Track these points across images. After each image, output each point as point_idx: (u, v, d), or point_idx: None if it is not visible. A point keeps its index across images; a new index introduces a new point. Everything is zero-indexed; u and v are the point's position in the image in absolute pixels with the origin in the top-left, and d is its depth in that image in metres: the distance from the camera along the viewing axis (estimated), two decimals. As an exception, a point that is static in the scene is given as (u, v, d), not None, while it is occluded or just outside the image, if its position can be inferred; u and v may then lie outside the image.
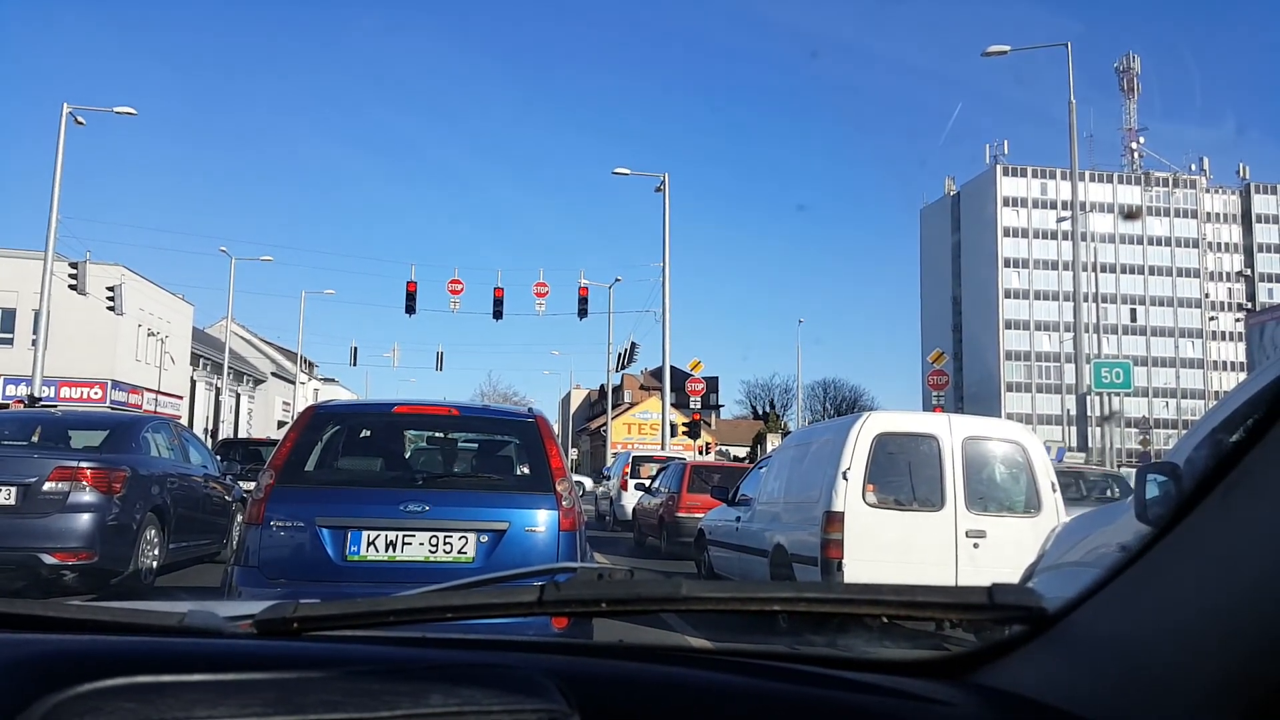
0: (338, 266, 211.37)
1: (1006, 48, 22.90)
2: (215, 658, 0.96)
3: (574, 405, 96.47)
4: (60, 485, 7.72)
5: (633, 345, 37.05)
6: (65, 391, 35.81)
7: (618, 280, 41.13)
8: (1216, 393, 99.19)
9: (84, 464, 7.97)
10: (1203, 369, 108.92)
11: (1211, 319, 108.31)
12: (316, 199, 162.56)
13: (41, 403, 22.11)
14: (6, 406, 25.95)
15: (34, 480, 7.66)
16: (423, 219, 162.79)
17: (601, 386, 71.55)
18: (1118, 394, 21.14)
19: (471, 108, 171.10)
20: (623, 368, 41.00)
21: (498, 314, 30.31)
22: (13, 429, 9.38)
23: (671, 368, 30.79)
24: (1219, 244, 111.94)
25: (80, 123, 25.36)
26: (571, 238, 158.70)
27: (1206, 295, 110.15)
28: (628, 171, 30.27)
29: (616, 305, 42.11)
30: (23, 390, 26.08)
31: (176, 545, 9.17)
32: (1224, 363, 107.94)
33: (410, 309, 29.71)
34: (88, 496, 7.80)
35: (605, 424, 52.71)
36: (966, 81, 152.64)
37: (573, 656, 1.07)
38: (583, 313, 31.21)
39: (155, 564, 8.66)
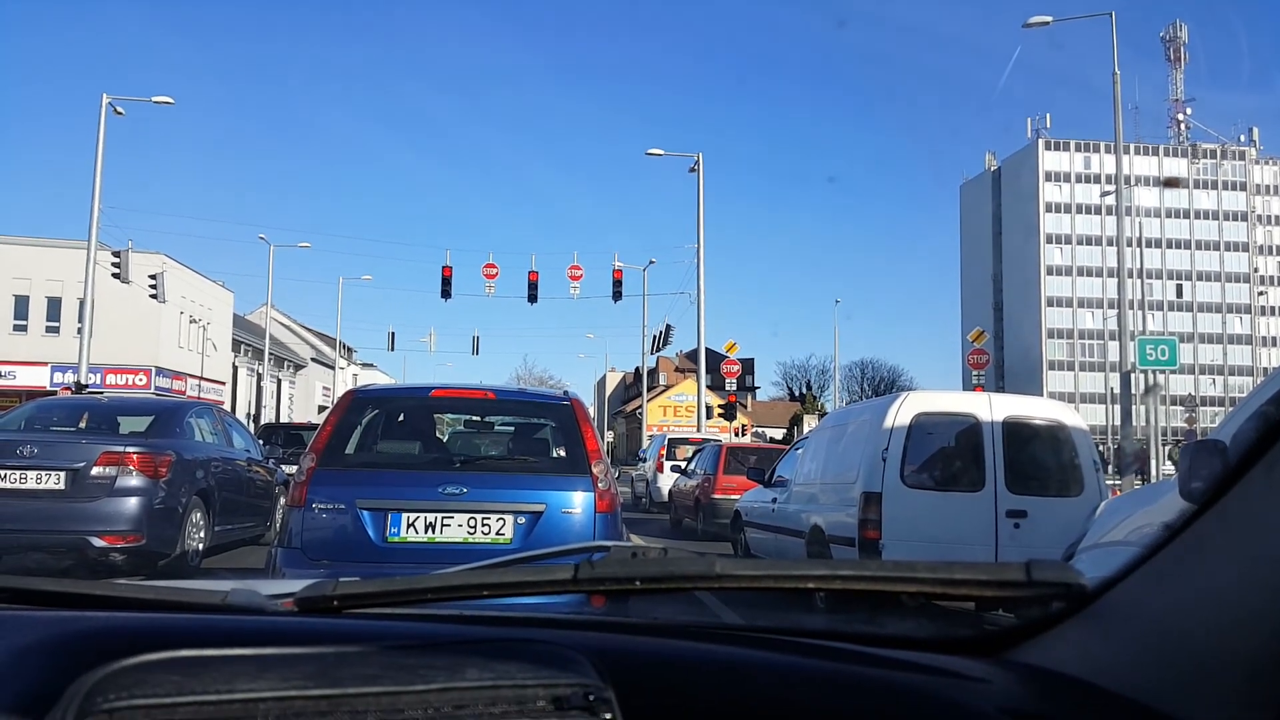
0: (374, 252, 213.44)
1: (1048, 18, 22.40)
2: (257, 634, 0.97)
3: (609, 388, 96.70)
4: (108, 470, 7.89)
5: (668, 328, 36.99)
6: (110, 379, 36.51)
7: (652, 263, 40.95)
8: (1265, 369, 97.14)
9: (130, 449, 8.14)
10: (1251, 345, 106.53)
11: (1260, 294, 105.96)
12: (351, 183, 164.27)
13: (88, 390, 22.56)
14: (55, 394, 26.51)
15: (82, 465, 7.84)
16: (456, 201, 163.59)
17: (637, 369, 71.63)
18: (1163, 371, 20.75)
19: (504, 87, 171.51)
20: (658, 350, 40.97)
21: (532, 297, 30.35)
22: (61, 416, 9.61)
23: (707, 350, 30.69)
24: (1269, 217, 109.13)
25: (119, 113, 25.63)
26: (605, 219, 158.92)
27: (1255, 270, 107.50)
28: (661, 152, 30.09)
29: (651, 287, 42.03)
30: (69, 378, 26.59)
31: (221, 528, 9.35)
32: (1273, 339, 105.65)
33: (446, 293, 29.79)
34: (134, 481, 7.97)
35: (641, 406, 52.83)
36: (1007, 53, 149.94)
37: (607, 633, 1.08)
38: (617, 295, 31.13)
39: (201, 546, 8.84)
